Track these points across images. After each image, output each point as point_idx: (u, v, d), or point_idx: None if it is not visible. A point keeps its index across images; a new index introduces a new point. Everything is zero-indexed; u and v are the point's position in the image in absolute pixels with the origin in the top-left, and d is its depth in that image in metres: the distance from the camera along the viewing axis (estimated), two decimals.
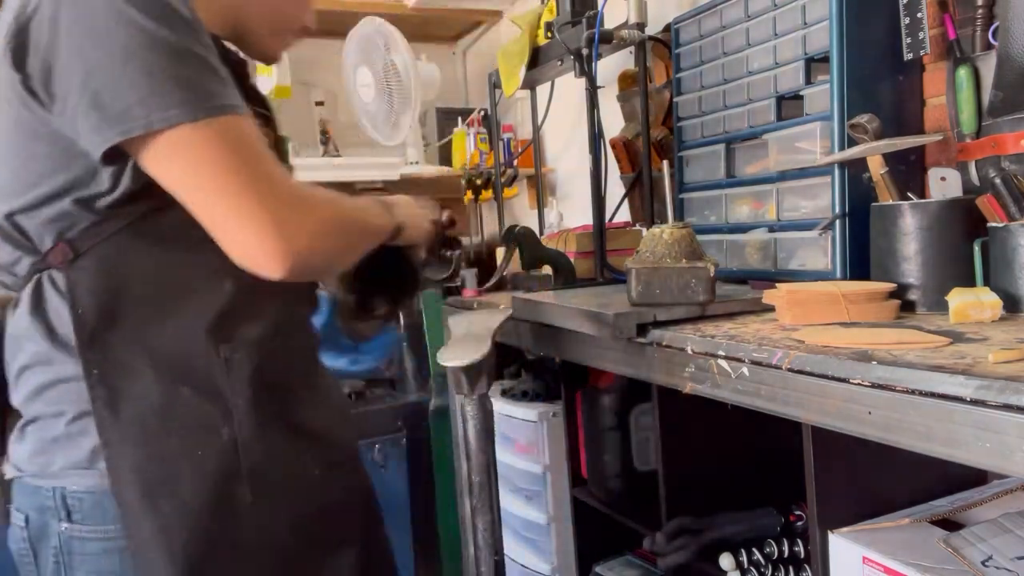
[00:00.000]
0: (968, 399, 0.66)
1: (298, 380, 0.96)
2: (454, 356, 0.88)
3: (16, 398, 0.90)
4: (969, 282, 1.02)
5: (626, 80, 2.02)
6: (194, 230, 0.80)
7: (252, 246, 0.78)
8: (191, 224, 0.80)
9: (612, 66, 2.03)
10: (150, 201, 0.82)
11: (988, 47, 1.15)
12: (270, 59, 1.07)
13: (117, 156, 0.78)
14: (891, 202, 1.10)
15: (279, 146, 1.05)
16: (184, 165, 0.77)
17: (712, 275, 1.09)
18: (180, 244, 0.84)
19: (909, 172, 1.22)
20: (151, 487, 0.83)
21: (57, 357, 0.85)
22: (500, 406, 1.82)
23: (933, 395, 0.69)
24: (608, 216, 1.76)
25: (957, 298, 0.93)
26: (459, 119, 2.68)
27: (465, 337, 0.90)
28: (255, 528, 0.87)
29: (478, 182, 2.36)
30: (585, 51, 1.61)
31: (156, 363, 0.84)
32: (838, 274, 1.21)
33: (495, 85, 2.06)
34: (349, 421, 1.07)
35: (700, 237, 1.54)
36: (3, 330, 0.92)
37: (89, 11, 0.75)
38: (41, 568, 0.87)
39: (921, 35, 1.18)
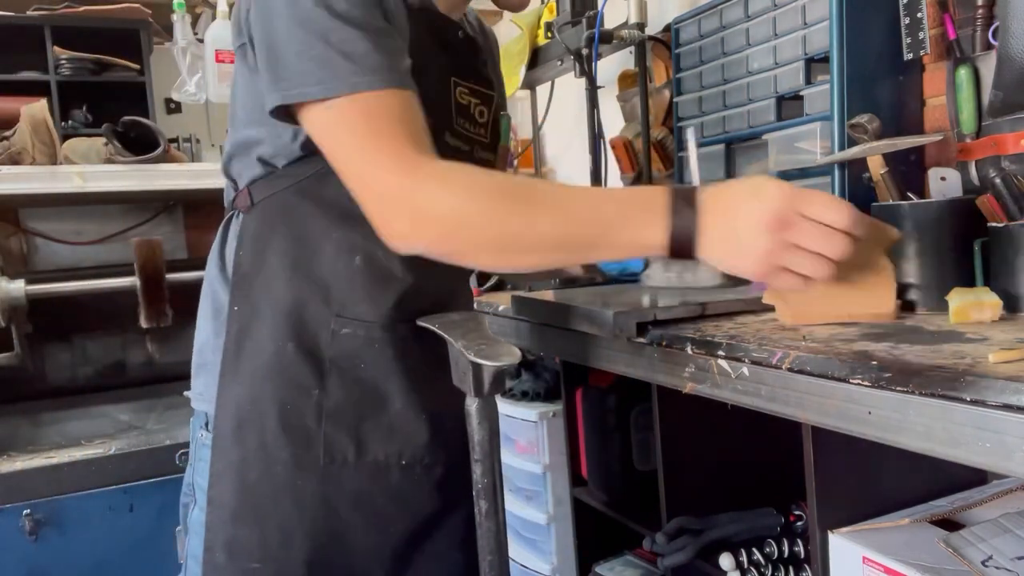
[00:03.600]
0: (968, 399, 0.66)
1: (395, 385, 0.94)
2: (491, 356, 0.85)
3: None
4: (969, 282, 1.02)
5: (626, 80, 2.02)
6: (351, 201, 0.83)
7: (374, 218, 0.81)
8: (348, 193, 0.83)
9: (612, 66, 2.04)
10: (319, 164, 0.87)
11: (988, 47, 1.15)
12: (516, 7, 1.07)
13: (286, 115, 0.84)
14: (891, 202, 1.10)
15: (495, 124, 1.04)
16: (320, 138, 0.83)
17: None
18: (333, 211, 0.90)
19: (909, 172, 1.22)
20: (243, 422, 0.91)
21: (221, 289, 0.96)
22: (500, 406, 1.81)
23: (933, 395, 0.69)
24: None
25: (957, 298, 0.93)
26: None
27: (484, 338, 0.88)
28: (319, 494, 0.92)
29: None
30: (585, 51, 1.61)
31: (276, 314, 0.92)
32: None
33: None
34: (441, 446, 0.98)
35: None
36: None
37: None
38: (192, 457, 1.02)
39: (921, 35, 1.18)
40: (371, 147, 0.79)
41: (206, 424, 0.97)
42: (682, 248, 0.73)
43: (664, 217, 0.73)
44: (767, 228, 0.71)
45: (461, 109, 1.00)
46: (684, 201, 0.73)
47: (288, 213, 0.92)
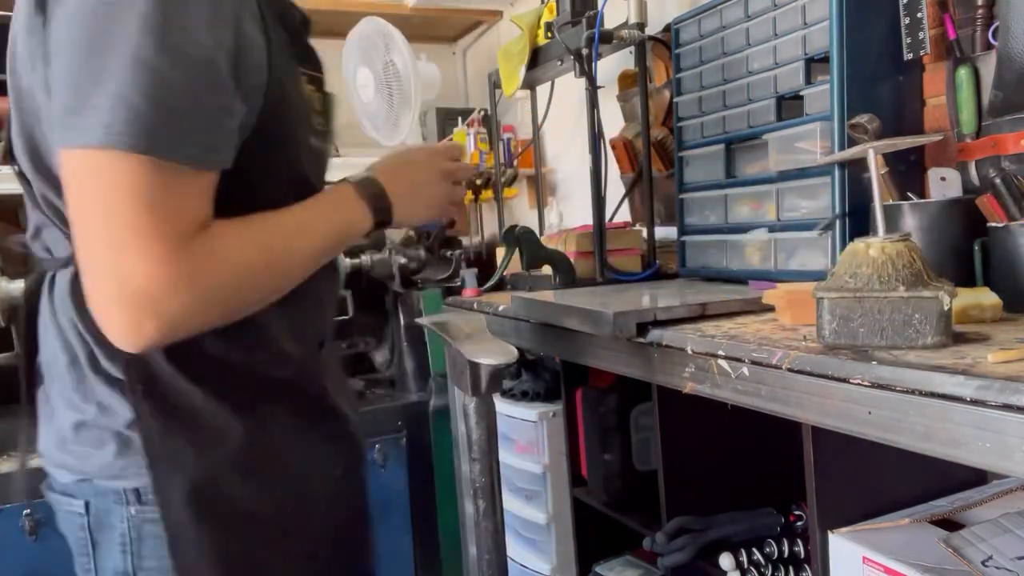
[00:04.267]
0: (968, 399, 0.66)
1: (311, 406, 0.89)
2: (487, 355, 0.85)
3: (60, 393, 0.83)
4: (969, 282, 1.02)
5: (626, 80, 2.02)
6: None
7: (102, 311, 0.69)
8: None
9: (612, 66, 2.03)
10: None
11: (988, 47, 1.15)
12: None
13: None
14: (891, 202, 1.10)
15: (326, 105, 0.99)
16: (74, 195, 0.70)
17: (946, 308, 0.80)
18: None
19: (909, 172, 1.22)
20: (198, 502, 0.79)
21: (105, 352, 0.78)
22: (500, 406, 1.82)
23: (933, 395, 0.69)
24: (608, 216, 1.76)
25: (957, 298, 0.93)
26: (459, 119, 2.68)
27: (481, 338, 0.88)
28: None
29: (478, 182, 2.36)
30: (585, 51, 1.61)
31: (180, 361, 0.78)
32: None
33: (495, 85, 2.06)
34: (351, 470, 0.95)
35: (700, 237, 1.55)
36: (35, 315, 0.88)
37: None
38: (101, 558, 0.81)
39: (921, 35, 1.18)
40: (131, 225, 0.66)
41: (138, 498, 0.79)
42: (383, 219, 0.90)
43: (361, 202, 0.89)
44: (442, 178, 0.98)
45: (310, 103, 0.92)
46: (369, 184, 0.90)
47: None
